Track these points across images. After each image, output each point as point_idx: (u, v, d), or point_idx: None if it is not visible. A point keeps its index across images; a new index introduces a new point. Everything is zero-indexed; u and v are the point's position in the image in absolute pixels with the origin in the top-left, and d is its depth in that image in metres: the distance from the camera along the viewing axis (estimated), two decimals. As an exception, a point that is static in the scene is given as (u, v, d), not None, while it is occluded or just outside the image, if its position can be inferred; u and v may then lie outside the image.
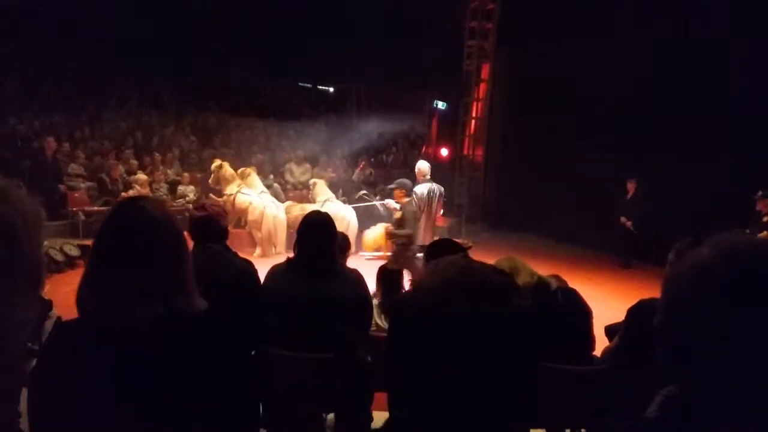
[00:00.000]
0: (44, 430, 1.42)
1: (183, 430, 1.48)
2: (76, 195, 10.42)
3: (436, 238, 7.62)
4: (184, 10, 15.26)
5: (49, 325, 3.95)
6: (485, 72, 14.02)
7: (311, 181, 11.60)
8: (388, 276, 4.32)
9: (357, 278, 3.17)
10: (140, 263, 1.46)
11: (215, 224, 3.35)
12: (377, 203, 11.55)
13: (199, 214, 3.34)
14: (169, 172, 12.10)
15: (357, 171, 13.58)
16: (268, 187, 11.68)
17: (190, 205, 10.97)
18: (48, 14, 13.92)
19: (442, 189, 7.31)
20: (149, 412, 1.42)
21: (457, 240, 3.71)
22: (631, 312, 3.02)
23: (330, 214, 3.38)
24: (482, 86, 14.07)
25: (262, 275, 3.32)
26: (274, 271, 3.20)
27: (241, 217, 10.61)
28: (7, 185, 0.69)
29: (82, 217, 9.95)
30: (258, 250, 10.24)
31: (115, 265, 1.48)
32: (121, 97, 15.30)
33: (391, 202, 7.43)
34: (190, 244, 3.32)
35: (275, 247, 10.52)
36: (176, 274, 1.51)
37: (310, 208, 10.59)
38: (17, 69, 14.08)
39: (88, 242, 8.66)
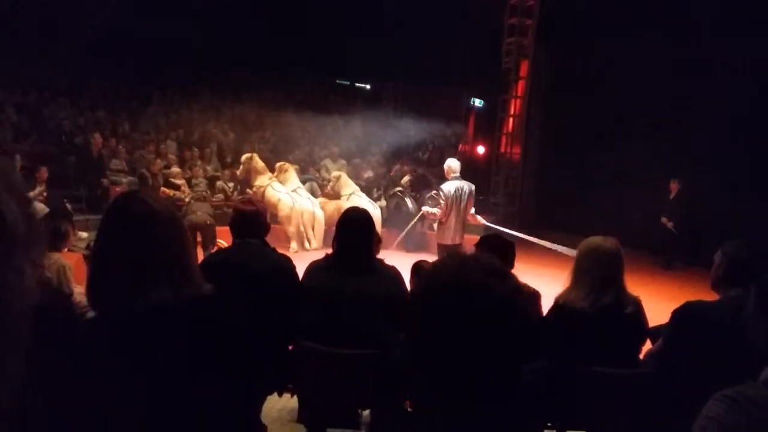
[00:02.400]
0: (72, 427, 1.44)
1: (202, 410, 1.51)
2: (118, 189, 10.63)
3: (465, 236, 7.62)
4: (223, 9, 15.43)
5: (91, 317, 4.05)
6: (524, 69, 13.85)
7: (334, 174, 11.59)
8: (420, 272, 4.32)
9: (395, 275, 3.15)
10: (141, 253, 1.49)
11: (260, 219, 3.38)
12: (408, 202, 11.54)
13: (247, 209, 3.37)
14: (207, 168, 12.27)
15: (395, 169, 13.57)
16: (305, 182, 11.75)
17: (226, 201, 11.15)
18: (90, 17, 14.21)
19: (473, 187, 7.18)
20: (167, 395, 1.45)
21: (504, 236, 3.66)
22: (676, 314, 2.93)
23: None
24: (521, 84, 13.89)
25: (300, 270, 3.34)
26: (312, 267, 3.21)
27: (270, 211, 10.71)
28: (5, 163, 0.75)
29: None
30: (293, 245, 10.33)
31: (118, 258, 1.51)
32: (163, 94, 15.56)
33: (428, 209, 7.37)
34: (228, 239, 3.37)
35: (309, 242, 10.59)
36: (179, 261, 1.55)
37: (345, 204, 10.67)
38: (65, 66, 14.43)
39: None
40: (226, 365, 1.54)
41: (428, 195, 10.60)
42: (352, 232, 3.11)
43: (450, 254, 1.23)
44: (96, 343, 1.48)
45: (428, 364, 1.14)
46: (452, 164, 7.22)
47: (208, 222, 9.13)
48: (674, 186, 10.75)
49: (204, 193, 10.55)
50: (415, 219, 9.79)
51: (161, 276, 1.48)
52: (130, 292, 1.46)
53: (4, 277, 0.70)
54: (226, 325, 1.59)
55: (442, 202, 6.92)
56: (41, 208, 8.25)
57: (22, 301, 0.73)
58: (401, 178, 12.84)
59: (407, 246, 10.25)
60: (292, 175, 11.15)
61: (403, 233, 9.99)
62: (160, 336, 1.46)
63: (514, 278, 1.15)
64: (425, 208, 7.69)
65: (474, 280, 1.10)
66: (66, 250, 4.84)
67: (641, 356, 3.21)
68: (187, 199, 10.21)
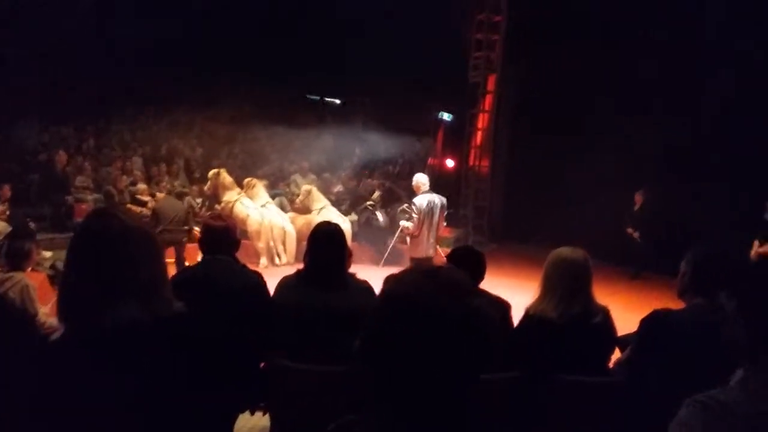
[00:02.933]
0: None
1: (173, 429, 1.49)
2: (84, 207, 10.43)
3: (438, 248, 7.69)
4: (191, 23, 15.34)
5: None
6: (491, 84, 14.04)
7: (304, 188, 11.54)
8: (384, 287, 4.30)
9: (367, 289, 3.15)
10: (112, 269, 1.48)
11: (230, 235, 3.35)
12: (379, 216, 11.58)
13: (216, 225, 3.34)
14: (175, 183, 12.12)
15: (364, 183, 13.60)
16: (275, 197, 11.68)
17: (194, 217, 11.02)
18: (57, 25, 13.98)
19: (444, 200, 7.32)
20: (139, 414, 1.42)
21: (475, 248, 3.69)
22: (644, 323, 2.98)
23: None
24: (488, 98, 14.08)
25: (271, 286, 3.31)
26: (284, 283, 3.19)
27: (239, 227, 10.61)
28: None
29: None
30: (263, 260, 10.24)
31: (88, 274, 1.49)
32: (129, 109, 15.37)
33: (405, 224, 7.41)
34: (198, 255, 3.34)
35: (279, 257, 10.52)
36: (150, 278, 1.53)
37: (315, 218, 10.64)
38: (28, 82, 14.16)
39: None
40: (197, 384, 1.52)
41: (400, 208, 10.66)
42: (324, 247, 3.10)
43: (410, 269, 1.23)
44: (64, 361, 1.45)
45: (380, 381, 1.13)
46: (421, 179, 7.30)
47: (183, 239, 8.97)
48: (639, 197, 10.98)
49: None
50: (396, 235, 9.84)
51: (132, 294, 1.47)
52: (100, 310, 1.44)
53: None
54: (197, 344, 1.57)
55: (414, 216, 6.97)
56: (3, 227, 8.05)
57: None
58: (370, 192, 12.86)
59: (378, 261, 10.26)
60: (260, 190, 11.08)
61: (388, 250, 10.06)
62: (130, 354, 1.43)
63: (471, 294, 1.14)
64: (402, 223, 7.71)
65: (425, 298, 1.10)
66: (29, 269, 4.72)
67: (611, 365, 3.25)
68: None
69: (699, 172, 10.18)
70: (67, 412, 1.39)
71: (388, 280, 1.27)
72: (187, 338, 1.55)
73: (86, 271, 1.51)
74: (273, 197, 11.54)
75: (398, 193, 12.36)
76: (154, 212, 8.88)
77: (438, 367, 1.09)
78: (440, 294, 1.11)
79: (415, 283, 1.15)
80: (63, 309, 1.50)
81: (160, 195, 10.68)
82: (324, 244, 3.11)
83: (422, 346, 1.08)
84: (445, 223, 7.40)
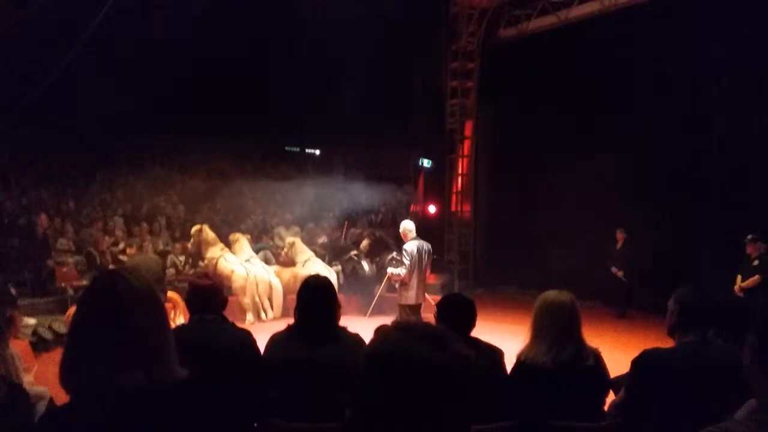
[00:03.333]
0: None
1: None
2: (65, 270, 10.30)
3: (426, 295, 7.71)
4: (169, 82, 15.49)
5: (41, 407, 3.85)
6: (468, 129, 14.29)
7: (288, 240, 11.55)
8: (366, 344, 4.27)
9: (359, 343, 3.12)
10: (118, 333, 1.47)
11: (218, 294, 3.31)
12: (365, 265, 11.57)
13: (203, 283, 3.30)
14: (158, 242, 12.04)
15: (351, 233, 13.62)
16: (259, 251, 11.63)
17: (178, 275, 10.92)
18: (29, 87, 14.04)
19: (430, 246, 7.43)
20: None
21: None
22: (636, 363, 2.98)
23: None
24: (466, 143, 14.31)
25: (260, 342, 3.28)
26: (275, 339, 3.15)
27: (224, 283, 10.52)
28: None
29: (71, 293, 9.80)
30: (249, 316, 10.13)
31: (94, 337, 1.48)
32: (108, 170, 15.36)
33: (392, 271, 7.47)
34: (186, 313, 3.30)
35: (266, 312, 10.41)
36: (155, 343, 1.53)
37: (301, 271, 10.59)
38: (3, 145, 14.15)
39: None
40: None
41: (389, 257, 10.65)
42: (314, 301, 3.08)
43: (385, 328, 1.24)
44: (70, 427, 1.43)
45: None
46: (408, 225, 7.40)
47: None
48: (620, 235, 11.10)
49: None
50: (383, 283, 9.83)
51: (137, 359, 1.45)
52: (106, 374, 1.42)
53: None
54: (198, 412, 1.55)
55: (406, 262, 7.02)
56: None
57: None
58: (356, 241, 12.86)
59: (365, 311, 10.20)
60: (244, 244, 11.03)
61: (375, 299, 10.02)
62: (133, 422, 1.42)
63: (449, 340, 1.16)
64: (390, 270, 7.75)
65: (405, 352, 1.11)
66: (13, 337, 4.62)
67: (606, 408, 3.24)
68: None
69: (681, 206, 10.37)
70: None
71: (378, 331, 1.28)
72: (188, 406, 1.53)
73: (91, 335, 1.49)
74: (257, 251, 11.49)
75: (387, 242, 12.38)
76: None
77: (429, 418, 1.08)
78: (419, 345, 1.11)
79: (391, 340, 1.15)
80: (67, 373, 1.48)
81: (130, 251, 10.60)
82: (314, 298, 3.09)
83: (409, 399, 1.08)
84: (429, 270, 7.47)
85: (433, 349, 1.10)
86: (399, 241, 7.68)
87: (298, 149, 20.51)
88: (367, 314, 9.67)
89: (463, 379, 1.11)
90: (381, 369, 1.12)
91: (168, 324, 1.62)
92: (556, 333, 3.07)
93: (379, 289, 10.03)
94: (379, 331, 1.23)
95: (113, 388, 1.42)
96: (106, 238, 11.10)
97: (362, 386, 1.14)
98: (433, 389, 1.08)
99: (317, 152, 20.85)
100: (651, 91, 10.85)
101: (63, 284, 9.97)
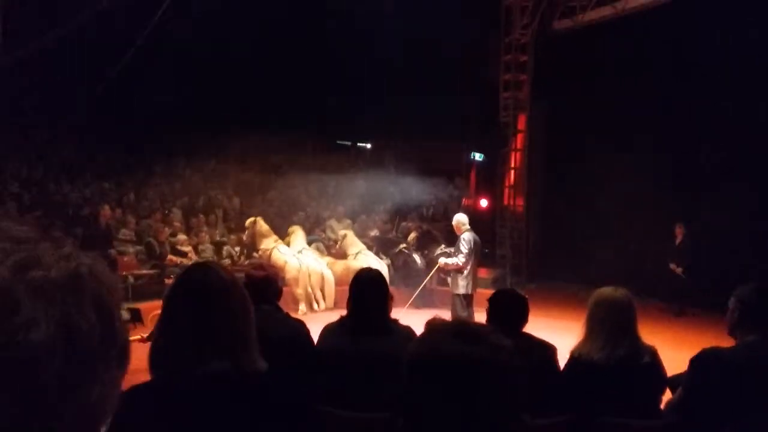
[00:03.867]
0: None
1: None
2: (126, 259, 10.67)
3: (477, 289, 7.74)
4: (226, 78, 15.82)
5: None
6: (521, 123, 14.10)
7: (341, 233, 11.73)
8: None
9: (410, 335, 3.14)
10: (209, 323, 1.53)
11: (273, 284, 3.39)
12: (417, 258, 11.57)
13: (258, 274, 3.38)
14: (215, 233, 12.35)
15: (402, 227, 13.66)
16: (311, 243, 11.79)
17: (233, 266, 11.17)
18: (93, 83, 14.56)
19: (479, 239, 7.78)
20: None
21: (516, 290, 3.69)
22: (695, 362, 2.91)
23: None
24: (519, 137, 14.12)
25: (312, 332, 3.34)
26: (328, 330, 3.21)
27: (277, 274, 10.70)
28: (92, 262, 0.69)
29: (132, 281, 10.17)
30: (302, 307, 10.29)
31: (185, 325, 1.55)
32: (167, 163, 15.80)
33: (445, 261, 7.68)
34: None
35: (318, 303, 10.56)
36: (242, 334, 1.58)
37: (353, 263, 10.70)
38: (70, 138, 14.74)
39: (139, 306, 8.84)
40: None
41: (438, 252, 10.63)
42: (367, 293, 3.13)
43: (429, 324, 1.26)
44: (148, 409, 1.50)
45: None
46: (461, 218, 7.60)
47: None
48: (679, 230, 10.77)
49: (211, 258, 10.58)
50: (430, 275, 9.84)
51: (224, 347, 1.51)
52: (194, 360, 1.48)
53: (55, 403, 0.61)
54: (277, 402, 1.60)
55: (464, 250, 7.21)
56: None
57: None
58: (406, 234, 12.89)
59: (417, 303, 10.21)
60: (299, 236, 11.20)
61: (419, 289, 10.02)
62: (216, 406, 1.47)
63: (486, 335, 1.16)
64: (442, 260, 7.94)
65: (443, 349, 1.12)
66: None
67: (662, 406, 3.17)
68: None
69: (744, 203, 10.00)
70: None
71: (429, 324, 1.30)
72: (268, 396, 1.59)
73: (183, 323, 1.56)
74: (309, 243, 11.67)
75: (435, 235, 12.35)
76: None
77: (475, 412, 1.09)
78: (452, 342, 1.13)
79: (425, 342, 1.18)
80: (156, 358, 1.55)
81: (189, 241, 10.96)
82: (367, 290, 3.13)
83: (453, 396, 1.09)
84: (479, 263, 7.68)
85: (466, 344, 1.11)
86: (449, 235, 7.82)
87: (349, 143, 20.62)
88: (406, 305, 9.60)
89: (502, 369, 1.12)
90: (420, 372, 1.14)
91: (251, 314, 1.67)
92: (611, 330, 3.02)
93: (426, 282, 10.00)
94: (430, 325, 1.25)
95: (200, 374, 1.47)
96: (165, 228, 11.43)
97: (407, 391, 1.16)
98: (473, 383, 1.09)
99: (368, 146, 20.92)
100: (712, 82, 10.46)
101: (124, 273, 10.34)
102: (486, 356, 1.10)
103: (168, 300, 1.61)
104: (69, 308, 0.62)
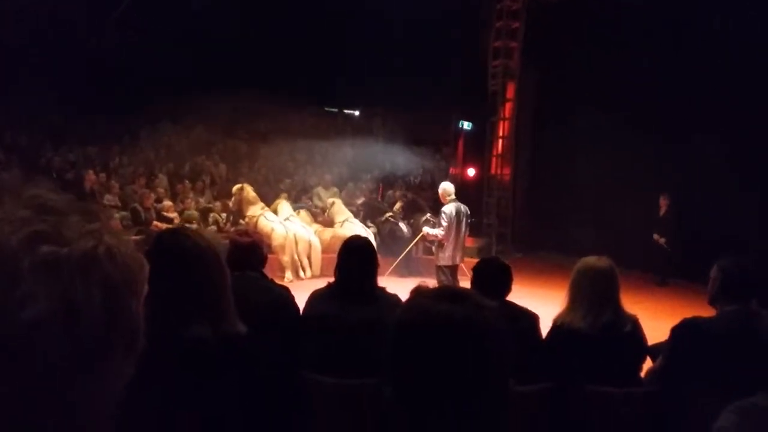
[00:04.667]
0: None
1: None
2: (111, 224, 10.58)
3: (464, 258, 7.76)
4: (212, 44, 15.57)
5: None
6: (511, 91, 14.03)
7: (328, 200, 11.74)
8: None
9: (397, 302, 3.16)
10: (186, 288, 1.52)
11: (258, 251, 3.37)
12: (403, 227, 11.59)
13: (243, 241, 3.36)
14: (200, 200, 12.28)
15: (387, 195, 13.65)
16: (298, 210, 11.76)
17: (219, 232, 11.14)
18: (79, 48, 14.29)
19: (468, 209, 7.57)
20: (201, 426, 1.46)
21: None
22: (676, 331, 2.96)
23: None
24: (508, 105, 14.07)
25: (298, 300, 3.35)
26: (315, 296, 3.23)
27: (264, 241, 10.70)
28: (115, 242, 0.65)
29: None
30: (288, 274, 10.30)
31: (163, 291, 1.53)
32: (152, 129, 15.61)
33: (429, 230, 7.60)
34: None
35: (304, 271, 10.58)
36: (220, 300, 1.57)
37: (339, 231, 10.71)
38: (53, 102, 14.48)
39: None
40: (253, 401, 1.56)
41: (423, 219, 10.66)
42: (356, 260, 3.14)
43: (414, 291, 1.27)
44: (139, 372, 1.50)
45: (409, 402, 1.15)
46: (447, 187, 7.49)
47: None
48: (664, 202, 10.85)
49: (197, 225, 10.54)
50: (413, 243, 9.86)
51: (203, 312, 1.51)
52: (174, 326, 1.48)
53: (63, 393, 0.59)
54: (256, 364, 1.61)
55: (444, 223, 7.13)
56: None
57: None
58: (392, 203, 12.89)
59: (402, 272, 10.26)
60: (284, 205, 11.18)
61: (400, 258, 10.04)
62: (198, 370, 1.48)
63: (472, 297, 1.16)
64: (426, 229, 7.89)
65: (429, 309, 1.12)
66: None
67: (642, 374, 3.23)
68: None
69: (727, 175, 10.06)
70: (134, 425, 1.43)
71: (415, 291, 1.30)
72: (248, 359, 1.59)
73: (160, 289, 1.55)
74: (296, 210, 11.64)
75: (420, 204, 12.36)
76: None
77: (464, 374, 1.09)
78: (438, 303, 1.13)
79: (412, 306, 1.18)
80: None
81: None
82: (355, 257, 3.14)
83: (440, 357, 1.09)
84: (467, 232, 7.55)
85: (452, 304, 1.12)
86: (435, 203, 7.74)
87: (336, 110, 20.44)
88: (387, 272, 9.59)
89: (489, 328, 1.12)
90: (407, 334, 1.14)
91: (228, 281, 1.66)
92: (594, 299, 3.05)
93: (408, 249, 10.04)
94: (416, 292, 1.25)
95: (182, 339, 1.47)
96: (151, 195, 11.35)
97: (395, 357, 1.16)
98: (460, 343, 1.09)
99: (356, 113, 20.76)
100: (703, 52, 10.42)
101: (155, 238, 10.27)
102: (471, 314, 1.10)
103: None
104: (74, 289, 0.58)
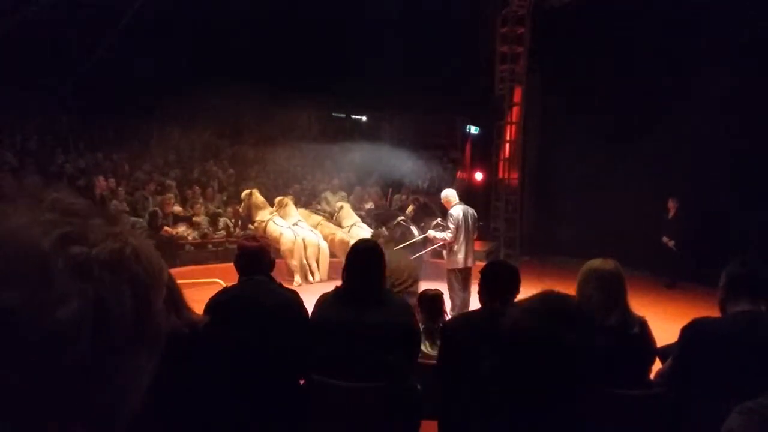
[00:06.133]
0: None
1: None
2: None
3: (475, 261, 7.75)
4: (220, 49, 15.63)
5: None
6: (518, 96, 14.04)
7: (337, 205, 11.76)
8: (429, 301, 4.37)
9: (405, 306, 3.17)
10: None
11: (265, 255, 3.39)
12: (414, 230, 11.57)
13: (250, 245, 3.38)
14: (210, 205, 12.34)
15: (398, 199, 13.65)
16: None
17: (228, 237, 11.19)
18: (88, 54, 14.38)
19: (475, 212, 7.59)
20: (153, 425, 1.48)
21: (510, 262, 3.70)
22: (686, 332, 2.94)
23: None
24: (515, 110, 14.07)
25: (307, 303, 3.36)
26: (323, 300, 3.23)
27: (272, 246, 10.75)
28: (140, 243, 0.66)
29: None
30: (297, 278, 10.33)
31: None
32: (161, 135, 15.68)
33: (435, 234, 7.60)
34: (235, 276, 3.39)
35: (313, 275, 10.60)
36: (172, 291, 1.61)
37: (345, 236, 10.73)
38: (65, 109, 14.59)
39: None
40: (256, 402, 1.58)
41: (434, 223, 10.62)
42: (363, 264, 3.14)
43: (515, 308, 1.29)
44: None
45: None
46: (449, 194, 7.56)
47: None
48: (672, 204, 10.80)
49: (207, 230, 10.59)
50: (426, 248, 9.86)
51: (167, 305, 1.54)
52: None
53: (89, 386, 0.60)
54: (209, 361, 1.64)
55: (452, 226, 7.14)
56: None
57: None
58: (401, 207, 12.89)
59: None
60: (291, 209, 11.20)
61: (416, 255, 10.04)
62: (176, 356, 1.50)
63: (581, 322, 1.19)
64: (431, 233, 7.89)
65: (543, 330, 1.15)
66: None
67: (651, 376, 3.22)
68: (189, 237, 10.31)
69: (737, 176, 10.02)
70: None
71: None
72: (206, 349, 1.63)
73: None
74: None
75: (432, 208, 12.35)
76: None
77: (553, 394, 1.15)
78: (553, 325, 1.16)
79: (525, 318, 1.21)
80: None
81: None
82: (363, 261, 3.15)
83: (541, 371, 1.15)
84: (475, 235, 7.56)
85: (567, 330, 1.14)
86: (444, 208, 7.75)
87: (344, 115, 20.48)
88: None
89: (585, 353, 1.15)
90: (515, 347, 1.15)
91: (170, 276, 1.74)
92: (601, 301, 3.05)
93: (422, 253, 10.02)
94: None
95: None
96: (172, 200, 11.41)
97: (502, 365, 1.18)
98: (564, 364, 1.14)
99: (364, 118, 20.79)
100: (711, 55, 10.39)
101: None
102: (580, 343, 1.13)
103: None
104: (105, 288, 0.60)
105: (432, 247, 9.80)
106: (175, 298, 1.64)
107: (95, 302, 0.59)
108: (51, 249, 0.58)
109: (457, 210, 7.28)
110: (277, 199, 11.39)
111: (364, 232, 10.78)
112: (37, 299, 0.56)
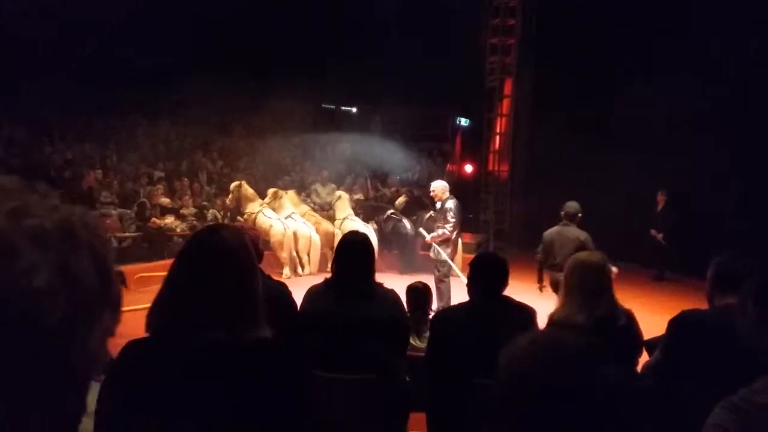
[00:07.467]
0: None
1: None
2: (108, 221, 10.56)
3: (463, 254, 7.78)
4: (210, 40, 15.52)
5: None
6: (508, 88, 14.03)
7: (336, 194, 11.74)
8: (415, 293, 4.39)
9: (394, 299, 3.16)
10: (209, 290, 1.52)
11: (254, 247, 3.37)
12: (406, 223, 11.56)
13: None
14: (197, 199, 12.27)
15: (389, 191, 13.65)
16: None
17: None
18: (77, 44, 14.25)
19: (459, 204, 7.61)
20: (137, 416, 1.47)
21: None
22: (673, 324, 2.95)
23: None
24: (505, 102, 14.06)
25: (297, 297, 3.35)
26: (312, 292, 3.22)
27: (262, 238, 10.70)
28: (83, 212, 0.68)
29: (115, 243, 10.10)
30: (286, 270, 10.30)
31: (187, 290, 1.54)
32: (150, 126, 15.57)
33: (433, 234, 7.50)
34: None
35: (303, 268, 10.57)
36: (242, 302, 1.57)
37: (337, 229, 10.70)
38: (53, 99, 14.44)
39: (122, 268, 8.79)
40: (264, 413, 1.55)
41: (428, 216, 10.56)
42: (353, 256, 3.13)
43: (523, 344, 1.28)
44: (141, 363, 1.50)
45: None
46: (443, 185, 7.47)
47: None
48: (661, 198, 10.87)
49: (194, 222, 10.53)
50: (433, 247, 9.86)
51: (220, 318, 1.50)
52: (187, 329, 1.48)
53: (72, 347, 0.63)
54: (275, 373, 1.60)
55: (452, 219, 7.10)
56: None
57: (88, 370, 0.68)
58: (391, 200, 12.89)
59: (400, 268, 10.26)
60: (285, 201, 11.12)
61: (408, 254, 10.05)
62: (204, 375, 1.47)
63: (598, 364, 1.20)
64: (428, 237, 7.61)
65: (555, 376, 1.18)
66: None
67: (638, 368, 3.23)
68: (177, 229, 10.26)
69: (726, 171, 10.08)
70: (136, 411, 1.44)
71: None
72: (264, 364, 1.59)
73: (183, 290, 1.55)
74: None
75: (424, 201, 12.35)
76: None
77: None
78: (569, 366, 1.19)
79: (541, 359, 1.23)
80: (153, 318, 1.56)
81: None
82: (353, 254, 3.14)
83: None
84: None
85: (581, 375, 1.16)
86: (432, 201, 7.72)
87: (333, 107, 20.41)
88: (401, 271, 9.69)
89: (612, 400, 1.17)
90: (523, 390, 1.19)
91: (257, 283, 1.66)
92: (587, 293, 3.06)
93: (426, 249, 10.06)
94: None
95: (194, 339, 1.47)
96: (159, 191, 11.35)
97: (502, 403, 1.18)
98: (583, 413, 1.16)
99: (354, 110, 20.73)
100: (700, 49, 10.43)
101: (108, 234, 10.26)
102: (599, 386, 1.17)
103: (175, 261, 1.62)
104: (66, 256, 0.62)
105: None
106: (240, 308, 1.61)
107: (62, 269, 0.60)
108: (7, 223, 0.59)
109: (453, 202, 7.28)
110: (270, 191, 11.33)
111: (357, 224, 10.74)
112: (9, 272, 0.57)
